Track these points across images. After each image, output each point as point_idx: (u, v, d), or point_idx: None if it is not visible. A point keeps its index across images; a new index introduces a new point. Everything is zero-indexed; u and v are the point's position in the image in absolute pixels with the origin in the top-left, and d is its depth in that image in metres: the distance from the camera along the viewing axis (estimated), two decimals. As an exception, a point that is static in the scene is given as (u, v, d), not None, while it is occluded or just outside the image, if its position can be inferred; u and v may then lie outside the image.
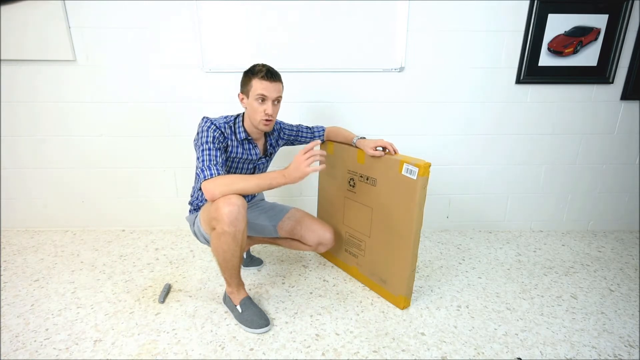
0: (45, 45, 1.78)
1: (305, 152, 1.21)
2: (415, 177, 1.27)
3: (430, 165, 1.27)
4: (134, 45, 1.81)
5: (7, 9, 1.72)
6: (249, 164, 1.43)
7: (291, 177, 1.21)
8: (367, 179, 1.48)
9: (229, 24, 1.77)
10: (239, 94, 1.36)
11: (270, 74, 1.28)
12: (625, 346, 1.26)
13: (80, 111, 1.91)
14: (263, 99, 1.29)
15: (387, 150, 1.39)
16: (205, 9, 1.75)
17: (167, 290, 1.53)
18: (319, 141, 1.28)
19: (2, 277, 1.64)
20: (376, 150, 1.40)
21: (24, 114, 1.90)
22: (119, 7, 1.75)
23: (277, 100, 1.33)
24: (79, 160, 2.00)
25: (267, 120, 1.31)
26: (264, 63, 1.31)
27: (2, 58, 1.79)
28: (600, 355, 1.22)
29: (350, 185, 1.56)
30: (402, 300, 1.43)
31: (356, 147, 1.49)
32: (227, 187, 1.19)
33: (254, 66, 1.30)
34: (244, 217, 1.21)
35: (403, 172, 1.31)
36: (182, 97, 1.90)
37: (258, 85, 1.27)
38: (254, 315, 1.32)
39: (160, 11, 1.76)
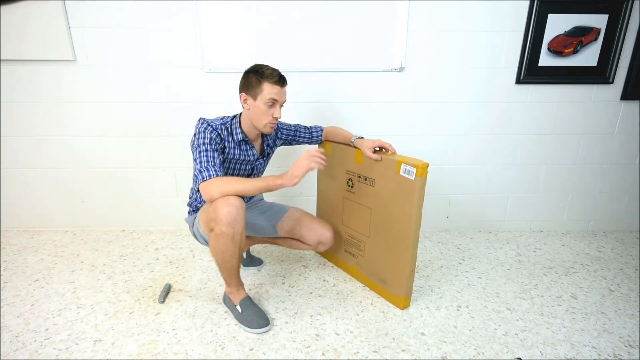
0: (45, 45, 1.78)
1: (310, 154, 1.23)
2: (413, 178, 1.27)
3: (428, 166, 1.26)
4: (134, 45, 1.81)
5: (7, 9, 1.72)
6: (246, 164, 1.43)
7: (288, 179, 1.21)
8: (366, 180, 1.47)
9: (229, 24, 1.77)
10: (241, 94, 1.33)
11: (283, 80, 1.30)
12: (625, 346, 1.26)
13: (80, 111, 1.91)
14: (274, 103, 1.30)
15: (383, 150, 1.39)
16: (205, 9, 1.74)
17: (167, 290, 1.53)
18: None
19: (2, 277, 1.64)
20: (374, 152, 1.39)
21: (24, 114, 1.90)
22: (119, 7, 1.75)
23: (283, 103, 1.35)
24: (79, 160, 2.00)
25: (273, 123, 1.33)
26: (268, 65, 1.30)
27: (2, 58, 1.79)
28: (600, 355, 1.22)
29: (349, 185, 1.56)
30: (402, 300, 1.43)
31: (354, 147, 1.49)
32: (225, 188, 1.19)
33: (263, 69, 1.28)
34: (242, 218, 1.21)
35: (401, 173, 1.31)
36: (182, 97, 1.89)
37: (270, 90, 1.27)
38: (253, 315, 1.32)
39: (160, 11, 1.76)
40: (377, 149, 1.40)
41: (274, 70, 1.29)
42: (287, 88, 1.35)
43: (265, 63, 1.32)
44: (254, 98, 1.30)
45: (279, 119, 1.34)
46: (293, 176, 1.21)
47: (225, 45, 1.80)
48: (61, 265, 1.74)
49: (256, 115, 1.32)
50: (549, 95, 1.92)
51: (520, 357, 1.20)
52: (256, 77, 1.28)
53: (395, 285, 1.44)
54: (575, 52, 1.82)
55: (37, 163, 1.99)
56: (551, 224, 2.18)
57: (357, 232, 1.58)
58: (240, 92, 1.34)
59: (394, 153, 1.38)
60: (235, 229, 1.19)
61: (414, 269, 1.41)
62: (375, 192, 1.45)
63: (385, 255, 1.46)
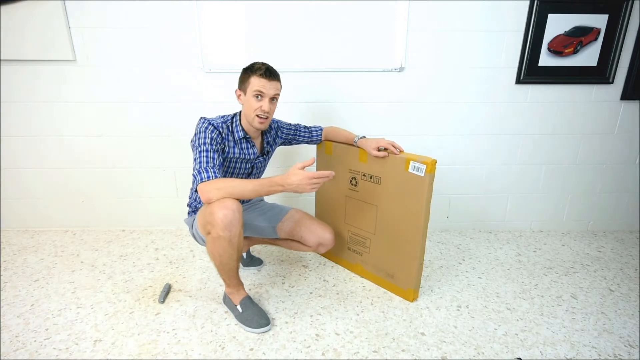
0: (45, 45, 1.78)
1: (314, 177, 1.15)
2: (423, 174, 1.30)
3: (436, 162, 1.29)
4: (134, 45, 1.81)
5: (7, 9, 1.72)
6: (246, 163, 1.43)
7: (291, 189, 1.18)
8: (371, 178, 1.48)
9: (229, 24, 1.77)
10: (236, 90, 1.36)
11: (269, 73, 1.29)
12: (625, 346, 1.26)
13: (80, 111, 1.91)
14: (260, 95, 1.29)
15: (388, 150, 1.40)
16: (205, 9, 1.74)
17: (167, 290, 1.53)
18: (333, 173, 1.20)
19: (2, 277, 1.64)
20: (379, 151, 1.40)
21: (24, 114, 1.90)
22: (119, 7, 1.75)
23: (274, 97, 1.33)
24: (79, 160, 2.00)
25: (261, 117, 1.31)
26: (264, 62, 1.32)
27: (2, 58, 1.79)
28: (600, 355, 1.22)
29: (352, 184, 1.56)
30: (412, 292, 1.46)
31: (358, 147, 1.49)
32: (223, 190, 1.18)
33: (254, 64, 1.31)
34: (239, 221, 1.19)
35: (410, 170, 1.33)
36: (182, 97, 1.89)
37: (256, 82, 1.28)
38: (254, 315, 1.32)
39: (160, 11, 1.76)
40: (382, 148, 1.41)
41: (263, 64, 1.30)
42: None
43: (264, 62, 1.32)
44: (245, 92, 1.32)
45: (267, 113, 1.31)
46: (294, 190, 1.18)
47: (225, 45, 1.80)
48: (61, 265, 1.74)
49: (246, 109, 1.33)
50: (549, 95, 1.92)
51: (520, 357, 1.20)
52: (246, 72, 1.32)
53: (404, 278, 1.47)
54: (575, 52, 1.82)
55: (37, 163, 1.99)
56: (551, 224, 2.17)
57: (362, 230, 1.58)
58: (237, 88, 1.37)
59: (401, 151, 1.39)
60: (232, 232, 1.18)
61: (423, 261, 1.43)
62: (381, 190, 1.46)
63: (393, 251, 1.48)
